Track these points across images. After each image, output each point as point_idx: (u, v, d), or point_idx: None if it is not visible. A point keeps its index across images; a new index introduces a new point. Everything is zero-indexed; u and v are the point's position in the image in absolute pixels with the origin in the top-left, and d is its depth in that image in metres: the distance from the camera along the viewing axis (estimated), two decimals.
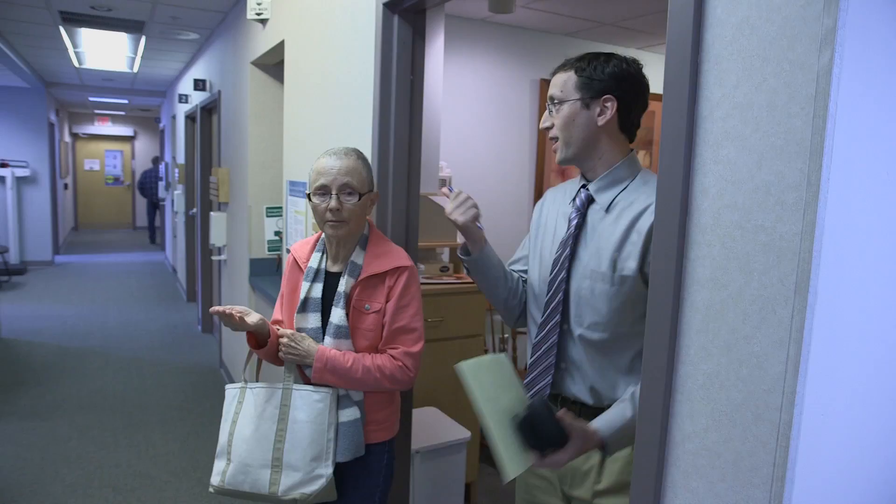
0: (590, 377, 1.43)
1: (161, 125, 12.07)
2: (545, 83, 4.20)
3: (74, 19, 5.10)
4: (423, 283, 2.72)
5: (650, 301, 1.01)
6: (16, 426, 3.95)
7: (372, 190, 1.75)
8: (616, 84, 1.37)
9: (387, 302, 1.72)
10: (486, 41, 4.05)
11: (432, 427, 2.63)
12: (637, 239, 1.32)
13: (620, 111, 1.38)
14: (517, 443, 1.27)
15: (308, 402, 1.70)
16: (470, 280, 3.18)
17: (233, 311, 1.64)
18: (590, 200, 1.43)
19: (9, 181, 9.19)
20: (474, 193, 4.10)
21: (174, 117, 8.80)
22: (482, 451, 3.37)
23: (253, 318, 1.69)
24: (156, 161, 12.71)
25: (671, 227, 0.96)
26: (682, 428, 0.98)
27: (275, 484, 1.68)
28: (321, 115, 2.53)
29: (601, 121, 1.37)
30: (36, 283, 8.44)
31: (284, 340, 1.71)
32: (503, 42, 4.11)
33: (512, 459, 1.25)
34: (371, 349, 1.73)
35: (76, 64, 7.61)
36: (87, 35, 5.83)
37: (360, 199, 1.69)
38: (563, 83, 1.41)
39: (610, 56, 1.41)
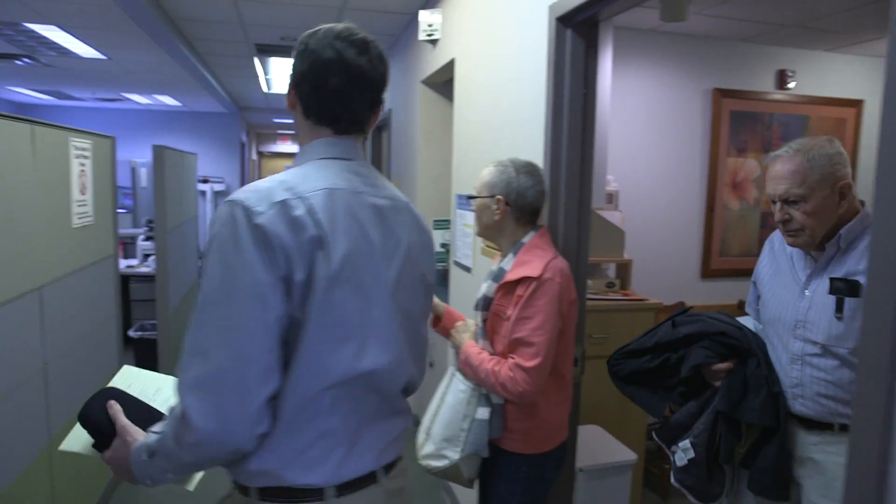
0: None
1: None
2: (718, 93, 3.98)
3: (267, 50, 5.65)
4: (588, 299, 2.68)
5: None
6: None
7: (494, 196, 1.83)
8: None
9: (514, 310, 1.74)
10: (656, 51, 3.93)
11: (596, 446, 2.57)
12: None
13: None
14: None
15: (456, 390, 1.85)
16: (638, 297, 3.08)
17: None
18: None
19: (208, 195, 10.34)
20: (640, 209, 3.99)
21: None
22: (646, 476, 3.24)
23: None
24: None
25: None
26: None
27: (419, 448, 1.90)
28: (491, 130, 2.59)
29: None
30: None
31: (452, 328, 1.95)
32: (674, 51, 3.96)
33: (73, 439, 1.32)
34: (505, 355, 1.77)
35: (265, 89, 8.40)
36: (275, 63, 6.42)
37: (480, 203, 1.89)
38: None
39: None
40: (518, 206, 1.82)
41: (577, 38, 1.94)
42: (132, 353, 4.93)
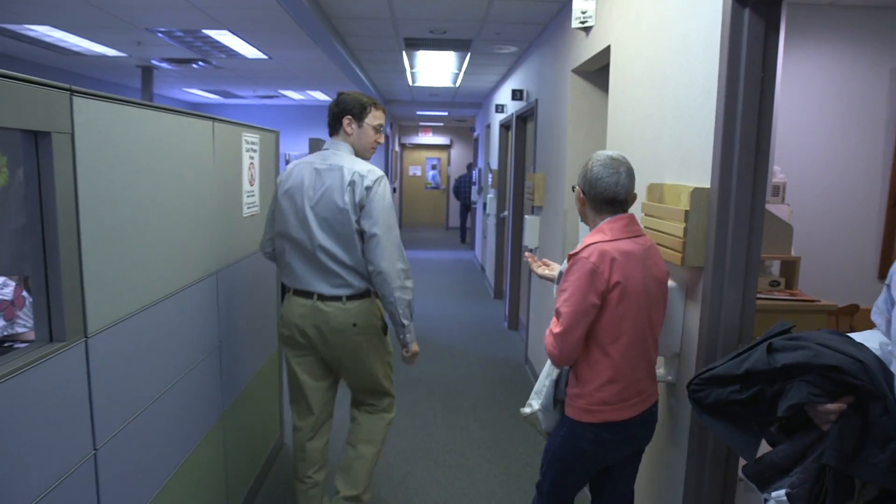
0: None
1: (475, 134, 13.06)
2: None
3: (415, 44, 5.77)
4: None
5: None
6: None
7: (574, 187, 2.09)
8: None
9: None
10: (833, 27, 3.57)
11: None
12: None
13: None
14: None
15: None
16: (807, 297, 2.83)
17: (532, 259, 2.35)
18: None
19: None
20: (810, 203, 3.67)
21: (488, 126, 9.44)
22: None
23: (546, 271, 2.33)
24: (469, 167, 13.80)
25: None
26: None
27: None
28: (651, 120, 2.47)
29: None
30: None
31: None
32: (855, 27, 3.58)
33: None
34: None
35: (410, 83, 8.61)
36: (422, 56, 6.56)
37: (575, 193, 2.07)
38: None
39: None
40: (591, 196, 1.98)
41: (755, 18, 1.79)
42: None
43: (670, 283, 2.15)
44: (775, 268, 3.08)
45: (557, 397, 2.07)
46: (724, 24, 1.85)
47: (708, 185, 1.95)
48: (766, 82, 1.81)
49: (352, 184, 2.42)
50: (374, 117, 2.60)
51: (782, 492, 1.44)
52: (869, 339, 1.44)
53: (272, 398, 3.53)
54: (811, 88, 3.57)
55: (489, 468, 3.53)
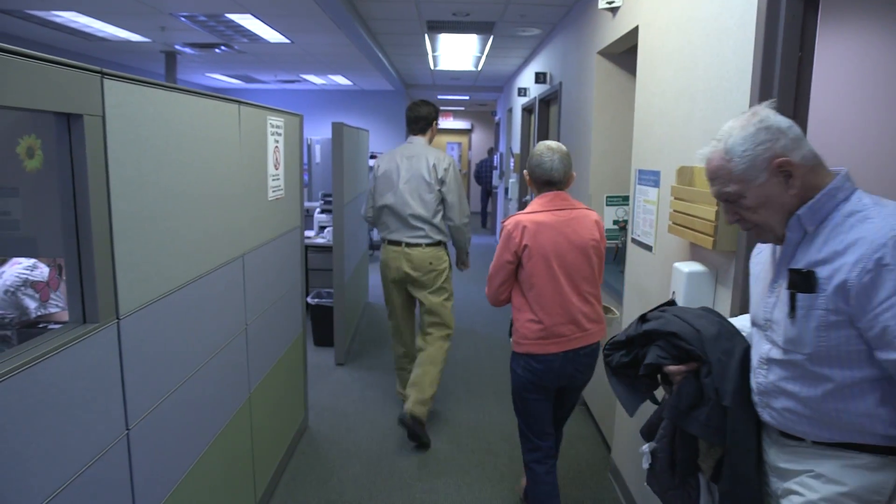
0: None
1: (497, 118, 12.97)
2: None
3: (437, 27, 5.73)
4: None
5: None
6: (382, 377, 4.63)
7: (524, 170, 2.72)
8: None
9: None
10: (872, 5, 3.46)
11: None
12: None
13: None
14: None
15: None
16: None
17: None
18: None
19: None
20: None
21: (510, 110, 9.37)
22: None
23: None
24: (491, 152, 13.73)
25: None
26: None
27: None
28: (681, 102, 2.42)
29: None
30: None
31: None
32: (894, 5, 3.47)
33: None
34: None
35: (431, 66, 8.57)
36: (444, 40, 6.51)
37: None
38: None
39: None
40: (534, 177, 2.56)
41: None
42: (309, 319, 5.29)
43: (699, 267, 2.12)
44: None
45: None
46: (760, 1, 1.80)
47: None
48: (804, 63, 1.76)
49: (434, 166, 3.68)
50: (439, 119, 3.98)
51: (646, 446, 1.73)
52: (739, 321, 1.67)
53: (297, 381, 3.56)
54: (846, 70, 3.47)
55: (512, 452, 3.53)
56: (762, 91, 1.79)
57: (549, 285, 2.47)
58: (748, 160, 1.33)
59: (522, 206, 7.50)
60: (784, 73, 1.76)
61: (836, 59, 3.46)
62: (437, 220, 3.71)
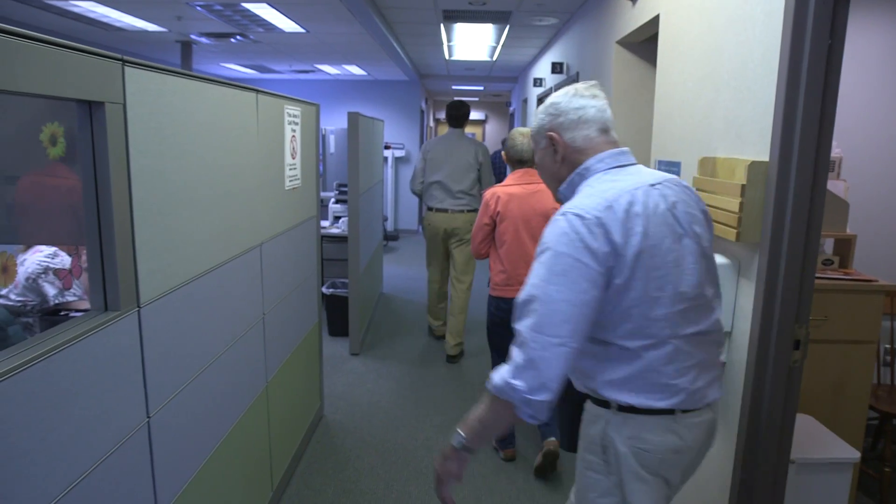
0: None
1: (511, 108, 12.90)
2: None
3: (453, 16, 5.69)
4: None
5: None
6: (396, 367, 4.64)
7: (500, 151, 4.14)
8: None
9: None
10: None
11: (809, 438, 2.34)
12: None
13: None
14: None
15: None
16: (864, 276, 2.74)
17: None
18: None
19: (389, 161, 10.79)
20: (869, 178, 3.52)
21: (525, 101, 9.31)
22: (860, 477, 2.91)
23: None
24: (505, 142, 13.66)
25: None
26: None
27: None
28: (702, 92, 2.39)
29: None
30: (406, 248, 9.81)
31: None
32: None
33: None
34: None
35: (446, 56, 8.52)
36: (459, 29, 6.46)
37: None
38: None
39: None
40: (510, 156, 3.27)
41: None
42: (323, 309, 5.30)
43: (722, 259, 2.10)
44: (828, 245, 2.98)
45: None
46: None
47: (766, 159, 1.88)
48: (834, 50, 1.72)
49: (476, 152, 4.92)
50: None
51: None
52: None
53: (313, 370, 3.57)
54: (872, 54, 3.41)
55: (527, 445, 3.52)
56: (790, 79, 1.76)
57: (514, 243, 3.10)
58: (537, 125, 1.63)
59: None
60: (813, 60, 1.72)
61: (866, 46, 3.39)
62: (474, 191, 4.89)
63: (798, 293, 1.86)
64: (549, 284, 1.37)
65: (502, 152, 2.96)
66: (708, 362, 1.51)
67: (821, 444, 2.31)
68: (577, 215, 1.39)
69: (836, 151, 3.09)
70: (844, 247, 2.86)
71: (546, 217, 2.93)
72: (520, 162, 3.20)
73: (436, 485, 1.56)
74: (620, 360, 1.46)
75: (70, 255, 2.50)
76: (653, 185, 1.47)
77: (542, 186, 2.99)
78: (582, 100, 1.55)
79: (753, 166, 1.88)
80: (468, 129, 17.16)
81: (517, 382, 1.36)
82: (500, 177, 13.45)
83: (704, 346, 1.50)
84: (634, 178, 1.49)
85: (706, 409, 1.54)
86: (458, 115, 5.01)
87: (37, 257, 2.45)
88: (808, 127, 1.76)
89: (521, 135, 3.19)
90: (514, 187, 3.15)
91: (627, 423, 1.48)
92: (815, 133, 1.77)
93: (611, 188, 1.44)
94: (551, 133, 1.57)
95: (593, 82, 1.61)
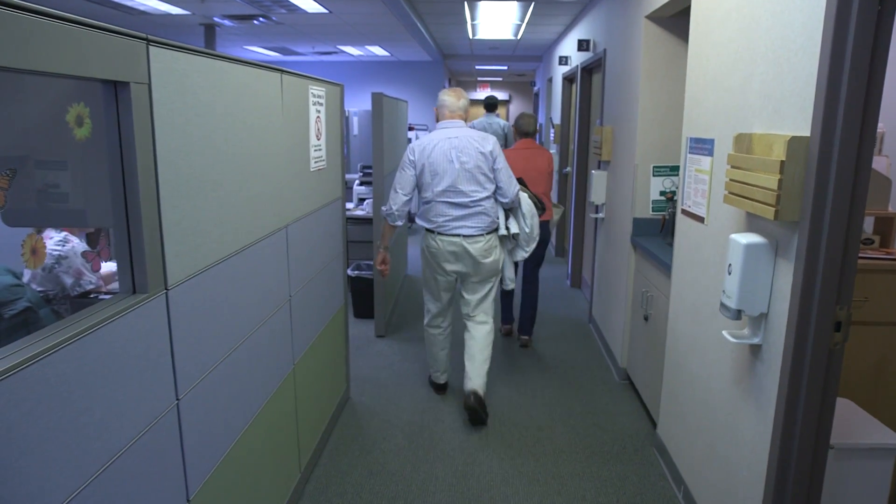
0: None
1: (535, 88, 12.74)
2: None
3: None
4: None
5: None
6: (421, 349, 4.62)
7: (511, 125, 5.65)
8: None
9: None
10: None
11: (849, 422, 2.27)
12: None
13: None
14: None
15: None
16: None
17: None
18: None
19: (413, 142, 10.74)
20: None
21: (550, 80, 9.17)
22: None
23: None
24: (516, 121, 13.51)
25: None
26: None
27: None
28: (737, 65, 2.30)
29: None
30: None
31: None
32: None
33: None
34: None
35: (470, 36, 8.41)
36: (483, 7, 6.36)
37: None
38: None
39: None
40: (517, 129, 4.68)
41: None
42: (348, 291, 5.30)
43: (757, 238, 2.03)
44: (868, 224, 2.88)
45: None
46: None
47: (807, 135, 1.80)
48: (884, 15, 1.64)
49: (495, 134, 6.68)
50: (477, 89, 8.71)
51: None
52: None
53: (339, 352, 3.57)
54: None
55: (554, 427, 3.50)
56: (834, 51, 1.67)
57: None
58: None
59: (563, 177, 7.40)
60: (860, 28, 1.64)
61: None
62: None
63: (840, 273, 1.79)
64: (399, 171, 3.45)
65: (512, 126, 4.80)
66: (460, 216, 3.40)
67: (861, 429, 2.24)
68: (412, 148, 3.41)
69: (878, 126, 2.98)
70: (886, 225, 2.76)
71: (541, 171, 4.47)
72: (525, 134, 4.64)
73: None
74: (426, 206, 3.46)
75: (80, 240, 2.47)
76: (449, 137, 3.42)
77: (539, 151, 4.57)
78: (445, 97, 3.53)
79: (794, 142, 1.81)
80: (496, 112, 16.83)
81: (384, 208, 3.43)
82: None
83: (455, 207, 3.39)
84: (445, 132, 3.46)
85: (456, 237, 3.44)
86: (495, 103, 6.20)
87: (48, 246, 2.44)
88: (853, 100, 1.68)
89: (527, 115, 4.71)
90: (521, 151, 4.56)
91: (425, 236, 3.50)
92: (861, 107, 1.69)
93: (431, 137, 3.46)
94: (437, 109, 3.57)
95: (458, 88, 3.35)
